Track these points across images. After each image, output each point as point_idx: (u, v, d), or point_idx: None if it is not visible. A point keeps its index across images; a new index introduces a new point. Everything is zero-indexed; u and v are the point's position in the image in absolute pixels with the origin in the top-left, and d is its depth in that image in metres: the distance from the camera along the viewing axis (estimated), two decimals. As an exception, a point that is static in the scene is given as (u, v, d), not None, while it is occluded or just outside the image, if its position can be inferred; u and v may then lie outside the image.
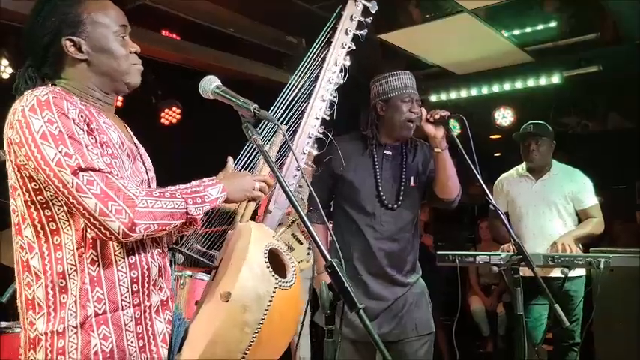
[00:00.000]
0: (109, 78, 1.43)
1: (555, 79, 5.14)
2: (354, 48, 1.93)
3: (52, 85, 1.39)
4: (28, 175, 1.30)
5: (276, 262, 1.41)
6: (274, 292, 1.33)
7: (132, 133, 1.53)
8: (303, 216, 1.34)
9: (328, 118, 1.88)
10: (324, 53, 1.89)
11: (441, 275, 4.26)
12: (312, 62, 1.87)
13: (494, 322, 5.39)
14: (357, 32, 1.93)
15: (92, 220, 1.24)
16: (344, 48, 1.90)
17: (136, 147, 1.50)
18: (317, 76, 1.86)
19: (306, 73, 1.85)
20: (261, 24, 4.65)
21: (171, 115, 5.33)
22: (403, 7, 4.28)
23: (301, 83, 1.84)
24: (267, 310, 1.32)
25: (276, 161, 1.73)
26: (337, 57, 1.89)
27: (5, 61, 4.04)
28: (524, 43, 4.90)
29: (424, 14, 4.34)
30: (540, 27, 4.64)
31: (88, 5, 1.41)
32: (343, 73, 1.91)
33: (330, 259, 1.28)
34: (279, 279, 1.35)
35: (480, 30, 4.53)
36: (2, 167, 1.38)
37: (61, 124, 1.26)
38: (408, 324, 2.51)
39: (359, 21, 1.93)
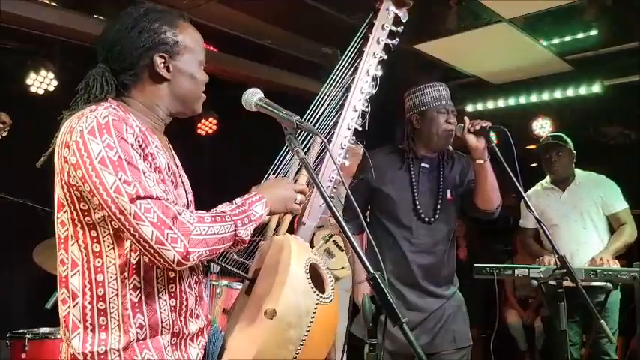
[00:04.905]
0: (182, 101, 1.48)
1: (596, 88, 5.01)
2: (386, 57, 1.91)
3: (111, 99, 1.39)
4: (78, 195, 1.30)
5: (314, 276, 1.40)
6: (316, 308, 1.32)
7: (175, 155, 1.54)
8: (344, 226, 1.33)
9: (360, 129, 1.87)
10: (357, 62, 1.87)
11: (477, 288, 4.19)
12: (345, 71, 1.86)
13: (531, 337, 5.26)
14: (389, 42, 1.91)
15: (147, 247, 1.24)
16: (375, 57, 1.88)
17: (177, 169, 1.50)
18: (349, 87, 1.84)
19: (338, 82, 1.84)
20: (297, 35, 4.69)
21: (207, 126, 5.39)
22: (440, 17, 4.26)
23: (333, 93, 1.84)
24: (309, 326, 1.30)
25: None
26: (369, 67, 1.87)
27: (51, 74, 4.16)
28: (563, 51, 4.80)
29: (461, 24, 4.31)
30: (580, 35, 4.54)
31: (184, 30, 1.47)
32: (375, 83, 1.89)
33: (372, 271, 1.26)
34: (320, 295, 1.35)
35: (519, 39, 4.47)
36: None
37: (120, 150, 1.26)
38: (446, 336, 2.49)
39: (390, 30, 1.91)
